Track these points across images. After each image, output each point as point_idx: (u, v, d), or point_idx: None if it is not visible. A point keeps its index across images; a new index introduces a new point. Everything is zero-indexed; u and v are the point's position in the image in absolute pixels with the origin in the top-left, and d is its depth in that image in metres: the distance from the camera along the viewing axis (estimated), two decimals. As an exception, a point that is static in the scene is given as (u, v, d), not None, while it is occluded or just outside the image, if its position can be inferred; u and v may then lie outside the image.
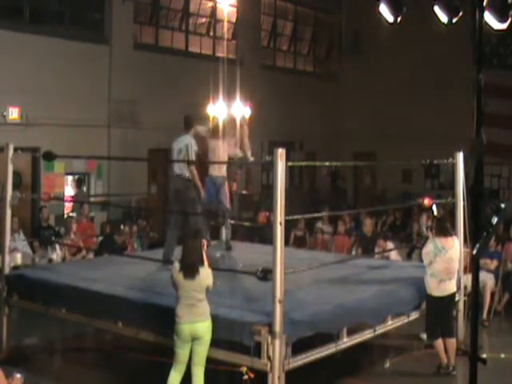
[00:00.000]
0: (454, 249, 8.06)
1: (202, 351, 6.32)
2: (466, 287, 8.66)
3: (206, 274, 6.32)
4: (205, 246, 6.49)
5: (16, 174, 11.28)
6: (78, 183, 15.45)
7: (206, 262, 6.42)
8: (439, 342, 7.99)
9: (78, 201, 14.77)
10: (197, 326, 6.24)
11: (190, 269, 6.26)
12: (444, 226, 8.13)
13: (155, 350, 7.38)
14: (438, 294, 7.94)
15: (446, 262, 7.95)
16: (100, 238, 12.96)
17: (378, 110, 20.78)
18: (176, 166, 8.89)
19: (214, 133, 9.71)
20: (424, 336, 9.27)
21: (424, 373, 8.03)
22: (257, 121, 15.23)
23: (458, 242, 8.29)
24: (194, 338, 6.28)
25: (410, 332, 9.27)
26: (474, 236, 4.70)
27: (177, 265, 6.37)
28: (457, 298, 8.49)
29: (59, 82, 14.61)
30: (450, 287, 8.04)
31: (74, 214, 14.78)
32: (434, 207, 8.80)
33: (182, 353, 6.33)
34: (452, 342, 8.04)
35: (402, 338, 9.25)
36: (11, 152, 8.60)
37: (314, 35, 23.13)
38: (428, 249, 8.06)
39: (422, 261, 10.35)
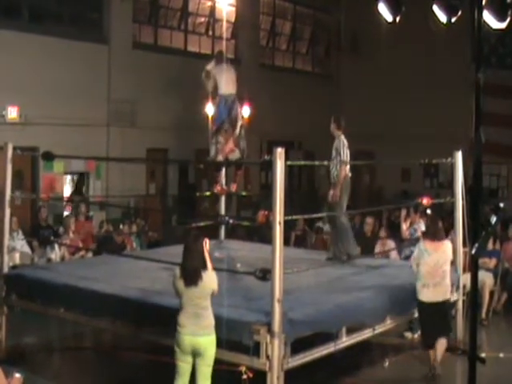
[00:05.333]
0: (440, 253, 7.77)
1: (207, 371, 5.93)
2: (465, 286, 8.65)
3: (210, 279, 5.89)
4: (207, 245, 6.06)
5: (18, 173, 11.27)
6: (77, 184, 15.46)
7: (209, 265, 6.01)
8: (432, 352, 7.79)
9: (78, 201, 14.74)
10: (199, 340, 5.84)
11: (192, 275, 5.80)
12: (433, 230, 7.88)
13: (154, 350, 7.38)
14: (422, 299, 7.72)
15: (429, 265, 7.67)
16: (99, 238, 12.96)
17: (377, 109, 20.76)
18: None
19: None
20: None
21: (423, 372, 7.98)
22: (255, 120, 15.24)
23: (450, 248, 8.00)
24: (196, 353, 5.88)
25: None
26: (473, 235, 4.70)
27: (177, 271, 5.93)
28: (455, 298, 8.46)
29: (58, 82, 14.59)
30: (435, 294, 7.69)
31: (71, 213, 14.76)
32: (428, 210, 8.78)
33: (184, 365, 5.93)
34: (442, 343, 7.82)
35: (401, 338, 9.25)
36: (10, 151, 8.57)
37: (313, 35, 23.12)
38: (415, 252, 7.92)
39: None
